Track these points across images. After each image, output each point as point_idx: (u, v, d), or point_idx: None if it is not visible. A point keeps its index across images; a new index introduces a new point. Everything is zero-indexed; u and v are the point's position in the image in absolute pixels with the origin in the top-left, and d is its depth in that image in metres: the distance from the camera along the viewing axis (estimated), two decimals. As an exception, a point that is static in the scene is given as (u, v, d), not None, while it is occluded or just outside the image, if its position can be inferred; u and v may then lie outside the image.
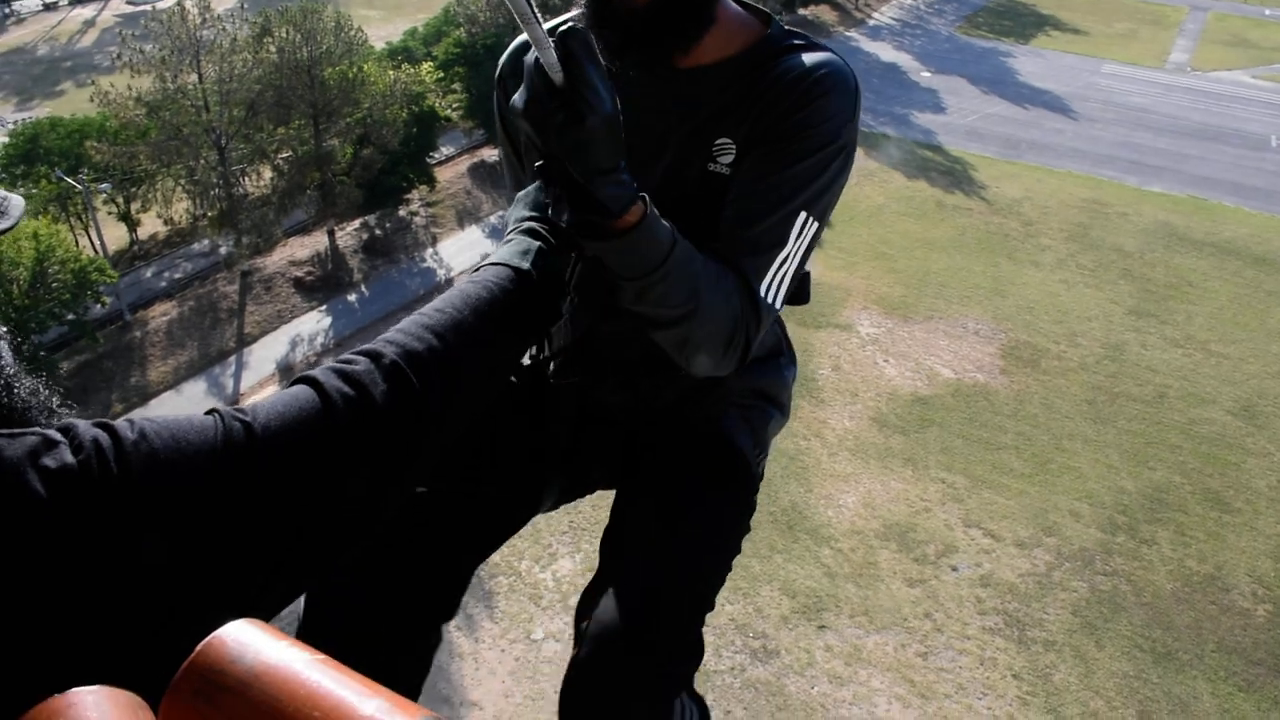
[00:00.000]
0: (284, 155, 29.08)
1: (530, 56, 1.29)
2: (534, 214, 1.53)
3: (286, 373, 25.72)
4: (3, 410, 1.02)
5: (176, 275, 30.38)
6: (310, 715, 0.46)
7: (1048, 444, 22.80)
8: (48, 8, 61.27)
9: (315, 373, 1.15)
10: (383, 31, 43.68)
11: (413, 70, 32.27)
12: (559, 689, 1.70)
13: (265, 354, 26.60)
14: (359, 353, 1.20)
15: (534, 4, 1.19)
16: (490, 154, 37.56)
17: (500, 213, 33.99)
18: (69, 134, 29.47)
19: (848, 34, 59.09)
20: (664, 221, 1.45)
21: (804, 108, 1.59)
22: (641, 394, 1.95)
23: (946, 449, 22.37)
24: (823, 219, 1.64)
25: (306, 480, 1.07)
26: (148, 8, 38.95)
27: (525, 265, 1.42)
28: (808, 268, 1.77)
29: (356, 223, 32.14)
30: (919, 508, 20.55)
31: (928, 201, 35.48)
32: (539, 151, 1.41)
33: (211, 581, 0.99)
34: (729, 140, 1.66)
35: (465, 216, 34.22)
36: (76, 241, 28.27)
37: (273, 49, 28.30)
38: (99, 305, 26.08)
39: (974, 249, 32.32)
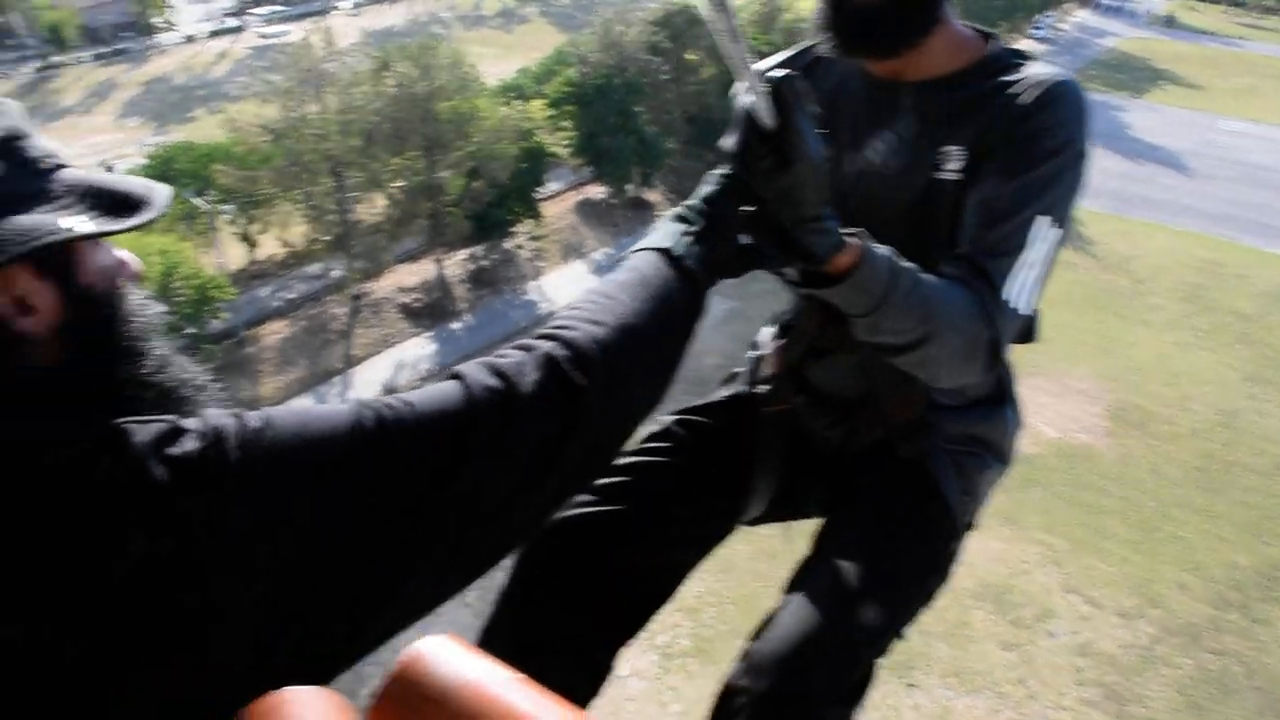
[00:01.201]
0: (397, 184, 30.01)
1: (742, 101, 1.33)
2: (690, 201, 1.52)
3: (390, 394, 26.30)
4: (155, 388, 1.03)
5: (290, 295, 31.50)
6: None
7: (1154, 511, 22.01)
8: (188, 40, 64.61)
9: (465, 366, 1.13)
10: (496, 69, 44.77)
11: (524, 107, 33.06)
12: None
13: (370, 376, 27.30)
14: (516, 345, 1.18)
15: (747, 51, 1.23)
16: (597, 192, 38.17)
17: (606, 249, 34.51)
18: (199, 158, 30.91)
19: (956, 83, 58.58)
20: (881, 249, 1.45)
21: (1035, 115, 1.61)
22: (852, 431, 1.96)
23: (1047, 510, 21.75)
24: (1063, 225, 1.62)
25: (438, 475, 1.04)
26: (278, 41, 40.74)
27: (671, 246, 1.40)
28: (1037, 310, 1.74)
29: (464, 253, 32.91)
30: (1017, 569, 20.00)
31: (1034, 255, 34.75)
32: (748, 198, 1.42)
33: (333, 575, 0.97)
34: (957, 147, 1.69)
35: (569, 251, 34.80)
36: (199, 259, 29.49)
37: (391, 82, 29.35)
38: (216, 321, 27.15)
39: (1081, 305, 31.54)
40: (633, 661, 17.37)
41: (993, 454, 1.96)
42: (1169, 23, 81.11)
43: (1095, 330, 30.05)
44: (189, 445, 0.93)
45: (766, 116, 1.30)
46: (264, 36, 62.17)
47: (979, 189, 1.64)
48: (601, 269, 32.29)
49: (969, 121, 1.68)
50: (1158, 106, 56.73)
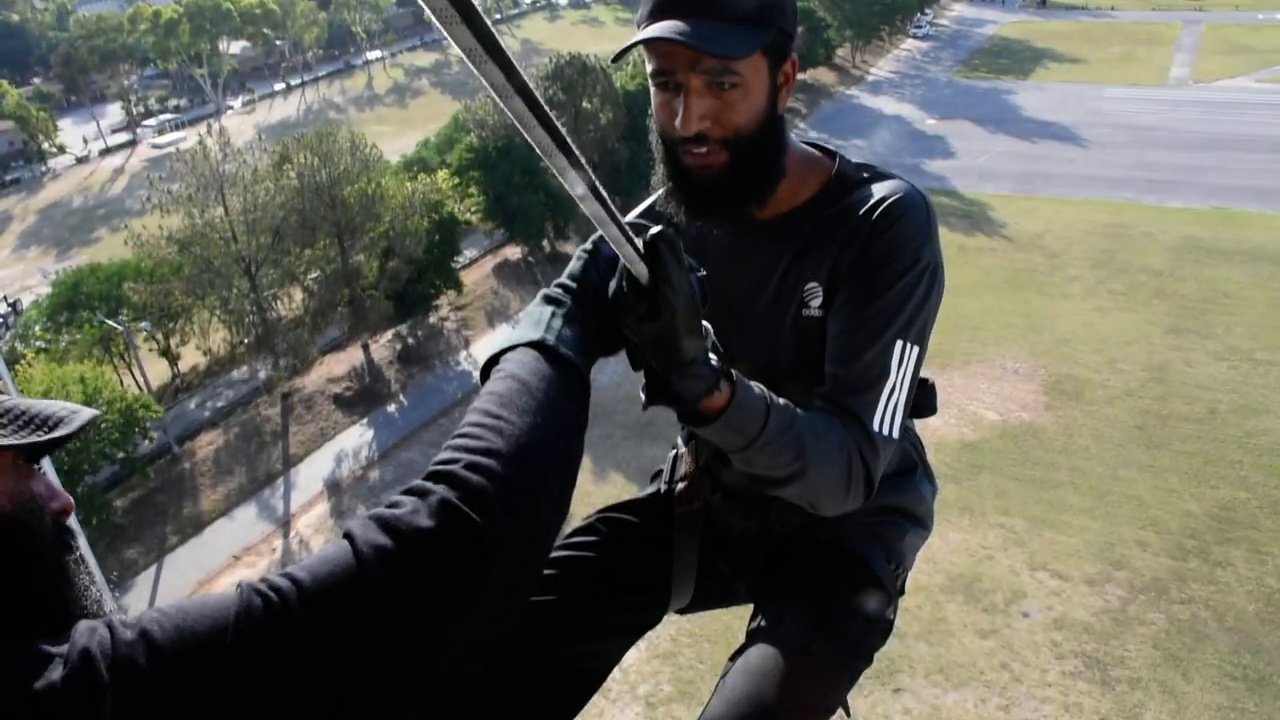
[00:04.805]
0: (313, 276, 29.75)
1: (618, 252, 1.32)
2: (559, 280, 1.52)
3: (334, 489, 25.97)
4: (48, 611, 1.01)
5: (219, 404, 30.98)
6: None
7: (1104, 475, 22.42)
8: (80, 161, 63.80)
9: (354, 524, 1.06)
10: (396, 145, 44.82)
11: (429, 179, 33.08)
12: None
13: (312, 472, 26.89)
14: (408, 490, 1.10)
15: (623, 224, 1.22)
16: (513, 252, 38.27)
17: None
18: (107, 278, 30.45)
19: (849, 92, 59.91)
20: (757, 391, 1.48)
21: (879, 238, 1.63)
22: (768, 521, 1.98)
23: (1001, 493, 22.04)
24: (921, 342, 1.65)
25: (340, 646, 0.97)
26: (173, 150, 40.41)
27: (540, 335, 1.35)
28: (932, 379, 1.82)
29: (389, 334, 32.70)
30: (981, 556, 20.18)
31: (950, 246, 34.98)
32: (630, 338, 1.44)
33: None
34: (815, 283, 1.70)
35: (495, 315, 34.77)
36: (121, 381, 28.96)
37: (293, 174, 29.17)
38: (147, 441, 26.60)
39: (1002, 288, 32.25)
40: (615, 717, 17.15)
41: (907, 519, 2.00)
42: (1042, 3, 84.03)
43: (1019, 310, 30.73)
44: (54, 675, 0.86)
45: (640, 272, 1.31)
46: (158, 146, 61.62)
47: (835, 320, 1.67)
48: (528, 327, 32.17)
49: (823, 252, 1.70)
50: (1044, 85, 58.58)
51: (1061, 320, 29.78)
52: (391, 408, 29.73)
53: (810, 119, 53.57)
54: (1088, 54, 64.42)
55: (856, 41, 63.52)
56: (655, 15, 1.52)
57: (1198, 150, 44.28)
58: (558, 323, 1.38)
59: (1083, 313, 30.20)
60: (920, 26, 73.82)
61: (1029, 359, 27.74)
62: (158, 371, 32.12)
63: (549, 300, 1.46)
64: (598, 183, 1.13)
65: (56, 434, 1.01)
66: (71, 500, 1.09)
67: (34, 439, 1.00)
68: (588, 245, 1.55)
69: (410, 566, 1.01)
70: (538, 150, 1.03)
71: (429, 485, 1.09)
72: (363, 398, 30.05)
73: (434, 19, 0.83)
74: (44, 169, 62.79)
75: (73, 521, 1.12)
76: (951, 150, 47.21)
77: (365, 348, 31.14)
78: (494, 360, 1.36)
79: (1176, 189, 39.71)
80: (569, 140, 1.04)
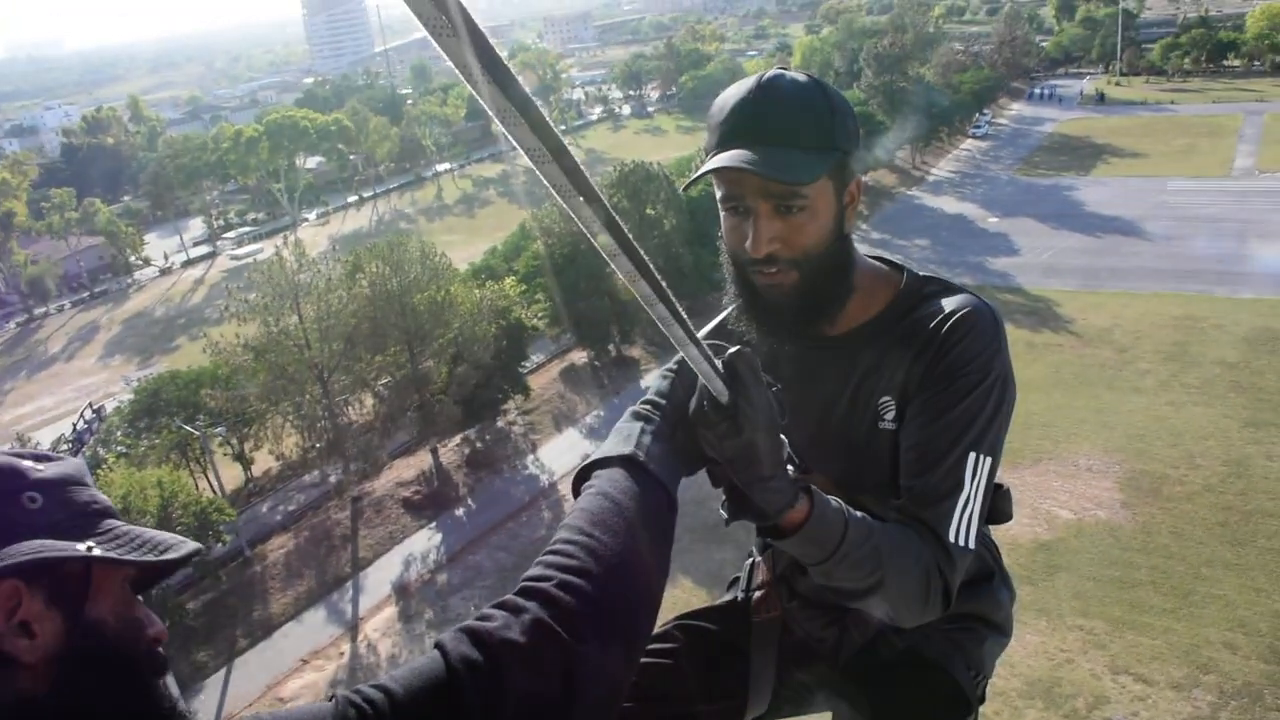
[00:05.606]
0: (383, 381, 30.44)
1: (697, 371, 1.36)
2: (647, 398, 1.57)
3: (402, 593, 26.11)
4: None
5: (290, 507, 31.51)
6: None
7: (1186, 574, 21.62)
8: (163, 272, 66.55)
9: (446, 637, 1.09)
10: (465, 254, 45.96)
11: (497, 286, 33.87)
12: None
13: (380, 576, 27.11)
14: (499, 604, 1.13)
15: (702, 345, 1.27)
16: (580, 357, 38.79)
17: (596, 412, 34.88)
18: (186, 385, 31.49)
19: (910, 193, 60.33)
20: (835, 504, 1.51)
21: (950, 352, 1.66)
22: (845, 630, 1.99)
23: (1079, 594, 21.35)
24: (994, 453, 1.66)
25: None
26: (250, 261, 41.99)
27: (631, 450, 1.40)
28: (1006, 484, 1.84)
29: (457, 438, 33.15)
30: (1060, 659, 19.47)
31: (1016, 343, 34.99)
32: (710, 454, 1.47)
33: None
34: (888, 397, 1.74)
35: (561, 420, 35.11)
36: (196, 484, 29.60)
37: (365, 283, 30.10)
38: (220, 544, 27.06)
39: (1072, 384, 31.73)
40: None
41: (987, 627, 2.01)
42: (1100, 100, 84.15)
43: (1090, 406, 30.16)
44: None
45: (720, 390, 1.36)
46: (236, 258, 64.06)
47: (908, 434, 1.71)
48: (595, 434, 32.60)
49: (894, 366, 1.75)
50: (1106, 180, 58.38)
51: (1134, 415, 29.13)
52: (460, 511, 29.99)
53: (873, 220, 53.96)
54: (1149, 148, 64.19)
55: (916, 143, 64.28)
56: (724, 144, 1.60)
57: (1268, 239, 43.54)
58: (647, 439, 1.45)
59: (1156, 407, 29.52)
60: (979, 126, 74.41)
61: (1102, 455, 27.11)
62: (232, 475, 32.89)
63: (638, 416, 1.52)
64: (680, 309, 1.18)
65: (167, 557, 1.05)
66: (165, 630, 1.13)
67: (148, 558, 1.04)
68: (672, 365, 1.62)
69: (500, 681, 1.04)
70: (641, 300, 1.12)
71: (521, 601, 1.12)
72: (431, 502, 30.38)
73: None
74: (130, 281, 65.66)
75: None
76: (1015, 247, 47.05)
77: (434, 452, 31.61)
78: (584, 474, 1.43)
79: (1248, 279, 39.00)
80: (665, 287, 1.12)
